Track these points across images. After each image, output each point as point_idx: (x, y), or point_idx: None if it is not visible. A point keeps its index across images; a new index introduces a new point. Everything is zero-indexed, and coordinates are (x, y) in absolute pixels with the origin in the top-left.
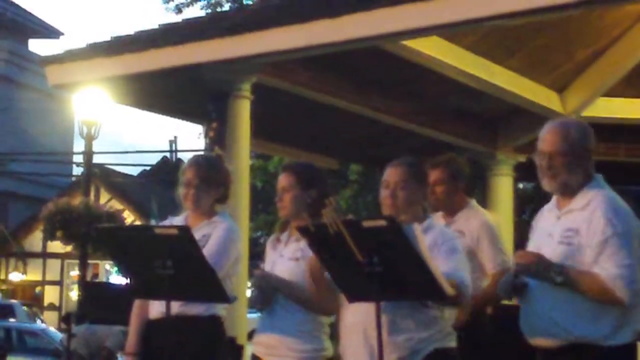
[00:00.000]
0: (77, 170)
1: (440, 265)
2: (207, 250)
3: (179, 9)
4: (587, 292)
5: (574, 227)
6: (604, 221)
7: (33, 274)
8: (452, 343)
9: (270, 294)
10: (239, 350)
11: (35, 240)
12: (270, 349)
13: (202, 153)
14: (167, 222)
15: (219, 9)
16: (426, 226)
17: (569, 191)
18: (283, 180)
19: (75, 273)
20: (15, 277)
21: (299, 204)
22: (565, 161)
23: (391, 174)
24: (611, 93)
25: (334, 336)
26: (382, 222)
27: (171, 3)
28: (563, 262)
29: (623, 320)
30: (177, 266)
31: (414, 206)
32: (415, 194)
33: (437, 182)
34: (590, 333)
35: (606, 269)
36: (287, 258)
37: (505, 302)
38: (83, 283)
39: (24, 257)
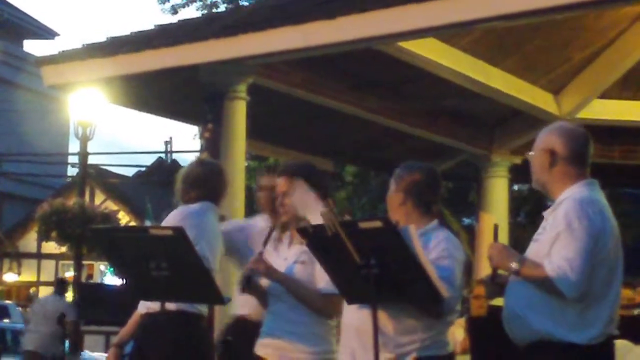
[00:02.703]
0: (72, 171)
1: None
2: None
3: (174, 10)
4: (535, 281)
5: (545, 225)
6: (562, 217)
7: (28, 275)
8: (442, 351)
9: (259, 284)
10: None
11: (29, 241)
12: (280, 350)
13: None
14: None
15: (214, 10)
16: (424, 231)
17: (542, 189)
18: (283, 183)
19: (70, 274)
20: (10, 277)
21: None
22: (536, 162)
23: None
24: (607, 95)
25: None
26: (378, 223)
27: (167, 4)
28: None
29: (583, 318)
30: (172, 267)
31: (418, 209)
32: (418, 199)
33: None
34: (548, 329)
35: (552, 260)
36: (293, 261)
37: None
38: (78, 284)
39: (18, 257)
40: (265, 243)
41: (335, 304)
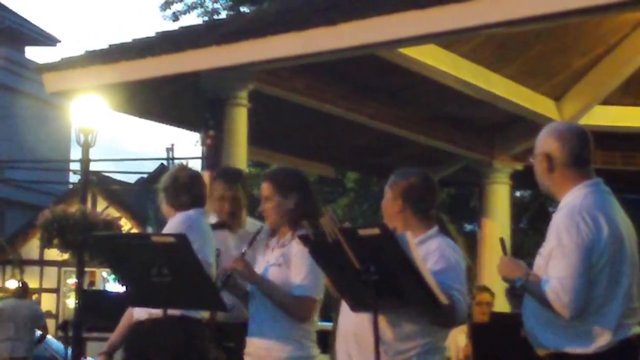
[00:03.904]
0: (74, 178)
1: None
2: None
3: (175, 17)
4: (536, 298)
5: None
6: (554, 230)
7: (30, 282)
8: (440, 357)
9: (238, 283)
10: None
11: (32, 247)
12: (258, 358)
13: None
14: None
15: (215, 17)
16: (421, 239)
17: (548, 194)
18: (264, 189)
19: (72, 281)
20: (12, 284)
21: (281, 212)
22: (537, 168)
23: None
24: (608, 101)
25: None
26: (376, 230)
27: (168, 11)
28: (535, 272)
29: (589, 328)
30: (173, 274)
31: (416, 216)
32: (417, 205)
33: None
34: (556, 343)
35: (547, 279)
36: (272, 264)
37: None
38: (80, 291)
39: (20, 264)
40: (250, 244)
41: (307, 307)
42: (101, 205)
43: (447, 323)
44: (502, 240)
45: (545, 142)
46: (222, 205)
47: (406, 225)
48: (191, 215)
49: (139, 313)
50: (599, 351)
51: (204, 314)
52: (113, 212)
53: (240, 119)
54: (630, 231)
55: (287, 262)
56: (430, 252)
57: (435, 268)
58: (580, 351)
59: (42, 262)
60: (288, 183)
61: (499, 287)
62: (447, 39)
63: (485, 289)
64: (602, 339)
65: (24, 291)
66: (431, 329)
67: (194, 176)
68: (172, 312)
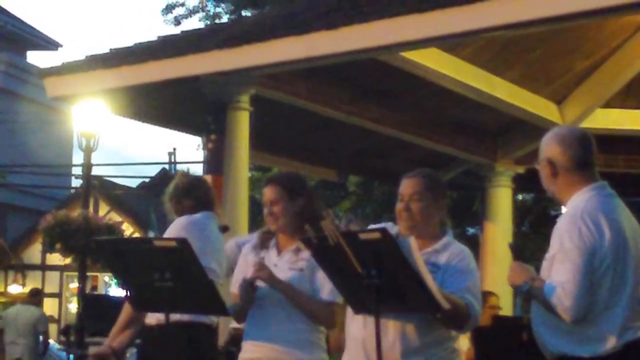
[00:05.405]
0: (76, 183)
1: (451, 283)
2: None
3: (177, 21)
4: (542, 305)
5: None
6: (557, 234)
7: (32, 286)
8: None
9: (251, 294)
10: None
11: (34, 252)
12: (272, 358)
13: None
14: None
15: (217, 21)
16: (444, 244)
17: (554, 199)
18: (269, 193)
19: (74, 285)
20: (14, 289)
21: (290, 215)
22: (542, 173)
23: (407, 186)
24: (610, 104)
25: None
26: (376, 235)
27: (170, 15)
28: (541, 276)
29: (592, 332)
30: (175, 278)
31: (430, 219)
32: (431, 207)
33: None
34: (560, 346)
35: (550, 284)
36: (288, 268)
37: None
38: (82, 295)
39: (23, 269)
40: (263, 249)
41: (337, 313)
42: (103, 209)
43: (459, 325)
44: (510, 245)
45: (547, 147)
46: None
47: (430, 231)
48: (193, 218)
49: (149, 318)
50: (604, 354)
51: (214, 319)
52: (115, 217)
53: (242, 123)
54: (635, 234)
55: (312, 269)
56: (454, 255)
57: (456, 271)
58: (585, 355)
59: (44, 267)
60: (295, 187)
61: (501, 290)
62: (449, 43)
63: (493, 293)
64: (607, 343)
65: (30, 297)
66: (454, 333)
67: (195, 180)
68: (181, 317)
